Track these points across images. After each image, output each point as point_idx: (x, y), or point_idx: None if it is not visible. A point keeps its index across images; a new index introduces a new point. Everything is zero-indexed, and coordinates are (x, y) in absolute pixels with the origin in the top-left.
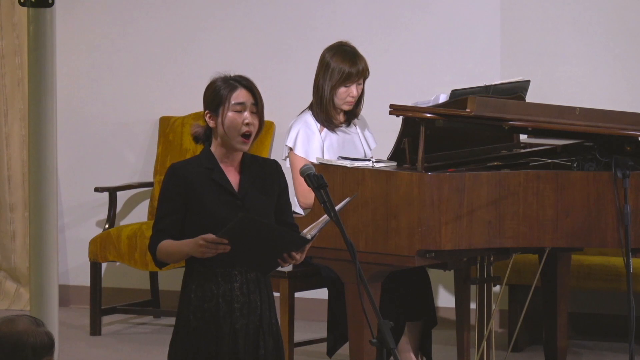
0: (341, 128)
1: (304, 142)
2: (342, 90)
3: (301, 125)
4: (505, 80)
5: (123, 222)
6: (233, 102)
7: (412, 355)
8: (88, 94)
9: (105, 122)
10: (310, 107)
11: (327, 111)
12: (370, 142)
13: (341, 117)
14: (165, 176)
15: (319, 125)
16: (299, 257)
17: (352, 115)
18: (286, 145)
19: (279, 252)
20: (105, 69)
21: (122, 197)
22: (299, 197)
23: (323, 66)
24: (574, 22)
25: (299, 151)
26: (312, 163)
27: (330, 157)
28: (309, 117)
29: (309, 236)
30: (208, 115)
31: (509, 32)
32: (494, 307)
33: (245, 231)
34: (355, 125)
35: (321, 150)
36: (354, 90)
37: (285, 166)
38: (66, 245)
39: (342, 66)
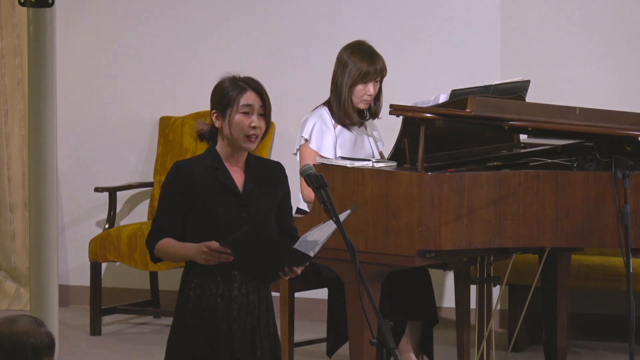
0: (355, 127)
1: (318, 136)
2: (359, 88)
3: (317, 118)
4: (505, 80)
5: (123, 222)
6: (242, 104)
7: (413, 356)
8: (88, 94)
9: (106, 122)
10: (325, 104)
11: (346, 109)
12: (379, 145)
13: (356, 116)
14: (168, 173)
15: (333, 121)
16: (299, 271)
17: (371, 114)
18: (301, 137)
19: (281, 265)
20: (105, 69)
21: (122, 197)
22: (303, 191)
23: (341, 64)
24: (574, 22)
25: (312, 144)
26: (313, 163)
27: (342, 154)
28: (324, 112)
29: (311, 253)
30: (215, 115)
31: (509, 32)
32: (494, 307)
33: (249, 244)
34: (366, 127)
35: (334, 146)
36: (370, 88)
37: (296, 160)
38: (66, 245)
39: (360, 64)
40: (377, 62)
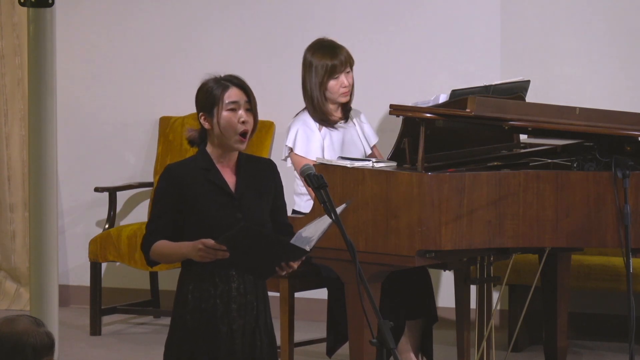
0: (340, 124)
1: (304, 141)
2: (332, 83)
3: (300, 124)
4: (505, 80)
5: (123, 222)
6: (227, 101)
7: (412, 356)
8: (88, 94)
9: (105, 122)
10: (306, 108)
11: (322, 110)
12: (370, 139)
13: (338, 113)
14: (160, 176)
15: (317, 124)
16: (296, 265)
17: (346, 108)
18: (286, 146)
19: (277, 261)
20: (105, 69)
21: (122, 197)
22: (311, 194)
23: (306, 66)
24: (574, 23)
25: (298, 150)
26: (312, 163)
27: (331, 155)
28: (307, 117)
29: (307, 247)
30: (203, 117)
31: (509, 32)
32: (494, 307)
33: (245, 240)
34: (352, 121)
35: (321, 148)
36: (344, 80)
37: (286, 166)
38: (66, 245)
39: (324, 61)
40: (339, 54)
